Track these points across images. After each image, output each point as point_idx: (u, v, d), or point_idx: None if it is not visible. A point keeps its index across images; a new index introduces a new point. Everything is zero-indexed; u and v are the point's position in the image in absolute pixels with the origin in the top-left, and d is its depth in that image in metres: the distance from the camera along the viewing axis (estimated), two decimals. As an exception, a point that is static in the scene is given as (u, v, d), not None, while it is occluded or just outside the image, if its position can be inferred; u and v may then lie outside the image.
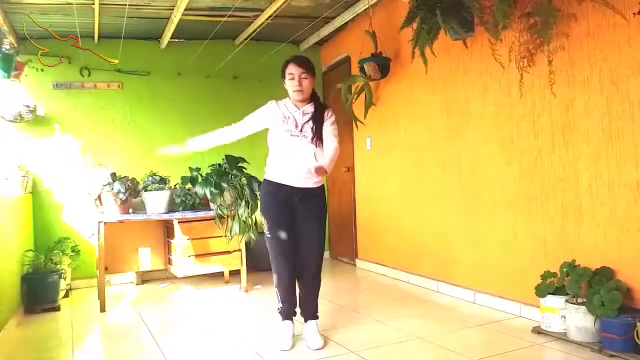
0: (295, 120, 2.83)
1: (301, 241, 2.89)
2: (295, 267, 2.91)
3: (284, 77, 2.88)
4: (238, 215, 4.01)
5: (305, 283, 2.98)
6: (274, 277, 2.97)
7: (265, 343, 3.05)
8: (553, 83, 2.99)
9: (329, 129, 2.83)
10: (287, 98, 2.92)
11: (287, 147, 2.83)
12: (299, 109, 2.86)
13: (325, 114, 2.87)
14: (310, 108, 2.87)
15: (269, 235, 2.88)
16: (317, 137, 2.81)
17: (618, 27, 2.70)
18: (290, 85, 2.83)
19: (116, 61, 4.61)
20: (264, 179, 2.96)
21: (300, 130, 2.81)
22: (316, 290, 3.02)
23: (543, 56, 3.04)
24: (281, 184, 2.85)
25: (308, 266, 2.93)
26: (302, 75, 2.80)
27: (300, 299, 3.03)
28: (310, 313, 3.02)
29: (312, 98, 2.91)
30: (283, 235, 2.84)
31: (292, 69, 2.82)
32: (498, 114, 3.48)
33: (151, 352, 3.01)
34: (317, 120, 2.83)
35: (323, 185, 2.99)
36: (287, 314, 3.01)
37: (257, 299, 4.16)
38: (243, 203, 4.01)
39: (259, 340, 3.11)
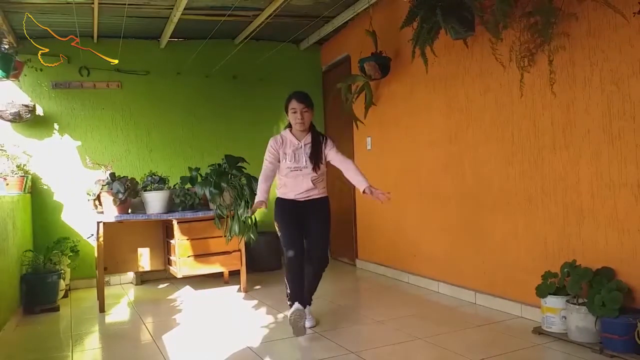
0: (295, 155, 3.24)
1: (310, 231, 3.29)
2: (303, 253, 3.25)
3: (287, 110, 3.28)
4: (238, 216, 4.01)
5: (313, 267, 3.28)
6: (285, 266, 3.25)
7: (263, 341, 3.05)
8: (554, 83, 2.99)
9: (336, 155, 3.29)
10: (287, 130, 3.32)
11: (291, 176, 3.26)
12: (299, 140, 3.27)
13: (325, 143, 3.31)
14: (309, 138, 3.29)
15: (281, 233, 3.27)
16: (315, 165, 3.25)
17: (619, 27, 2.69)
18: (293, 118, 3.25)
19: (116, 61, 4.58)
20: (277, 197, 3.36)
21: (298, 162, 3.24)
22: (320, 276, 3.36)
23: (544, 56, 3.04)
24: (288, 199, 3.31)
25: (316, 249, 3.27)
26: (304, 110, 3.22)
27: (307, 285, 3.32)
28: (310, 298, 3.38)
29: (310, 129, 3.32)
30: (291, 227, 3.26)
31: (295, 105, 3.23)
32: (499, 113, 3.47)
33: (150, 353, 3.01)
34: (316, 149, 3.27)
35: (326, 196, 3.39)
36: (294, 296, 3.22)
37: (257, 300, 4.15)
38: (243, 203, 4.00)
39: (256, 339, 3.11)
